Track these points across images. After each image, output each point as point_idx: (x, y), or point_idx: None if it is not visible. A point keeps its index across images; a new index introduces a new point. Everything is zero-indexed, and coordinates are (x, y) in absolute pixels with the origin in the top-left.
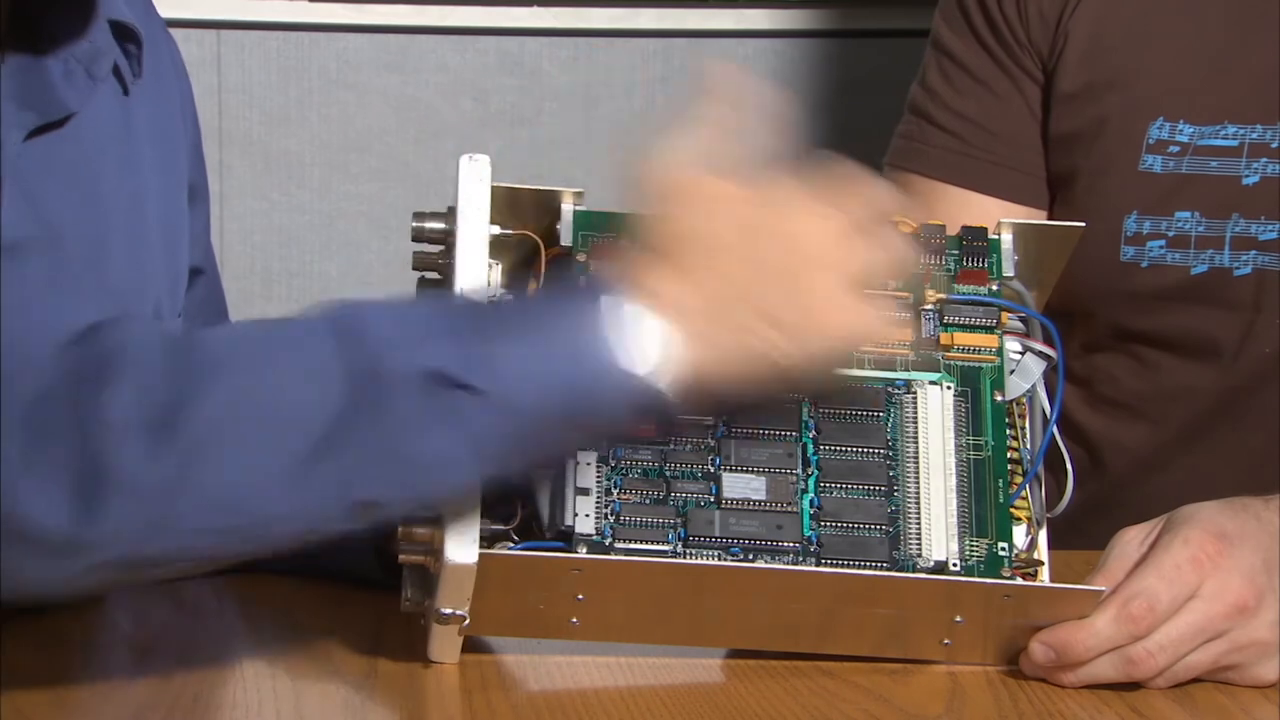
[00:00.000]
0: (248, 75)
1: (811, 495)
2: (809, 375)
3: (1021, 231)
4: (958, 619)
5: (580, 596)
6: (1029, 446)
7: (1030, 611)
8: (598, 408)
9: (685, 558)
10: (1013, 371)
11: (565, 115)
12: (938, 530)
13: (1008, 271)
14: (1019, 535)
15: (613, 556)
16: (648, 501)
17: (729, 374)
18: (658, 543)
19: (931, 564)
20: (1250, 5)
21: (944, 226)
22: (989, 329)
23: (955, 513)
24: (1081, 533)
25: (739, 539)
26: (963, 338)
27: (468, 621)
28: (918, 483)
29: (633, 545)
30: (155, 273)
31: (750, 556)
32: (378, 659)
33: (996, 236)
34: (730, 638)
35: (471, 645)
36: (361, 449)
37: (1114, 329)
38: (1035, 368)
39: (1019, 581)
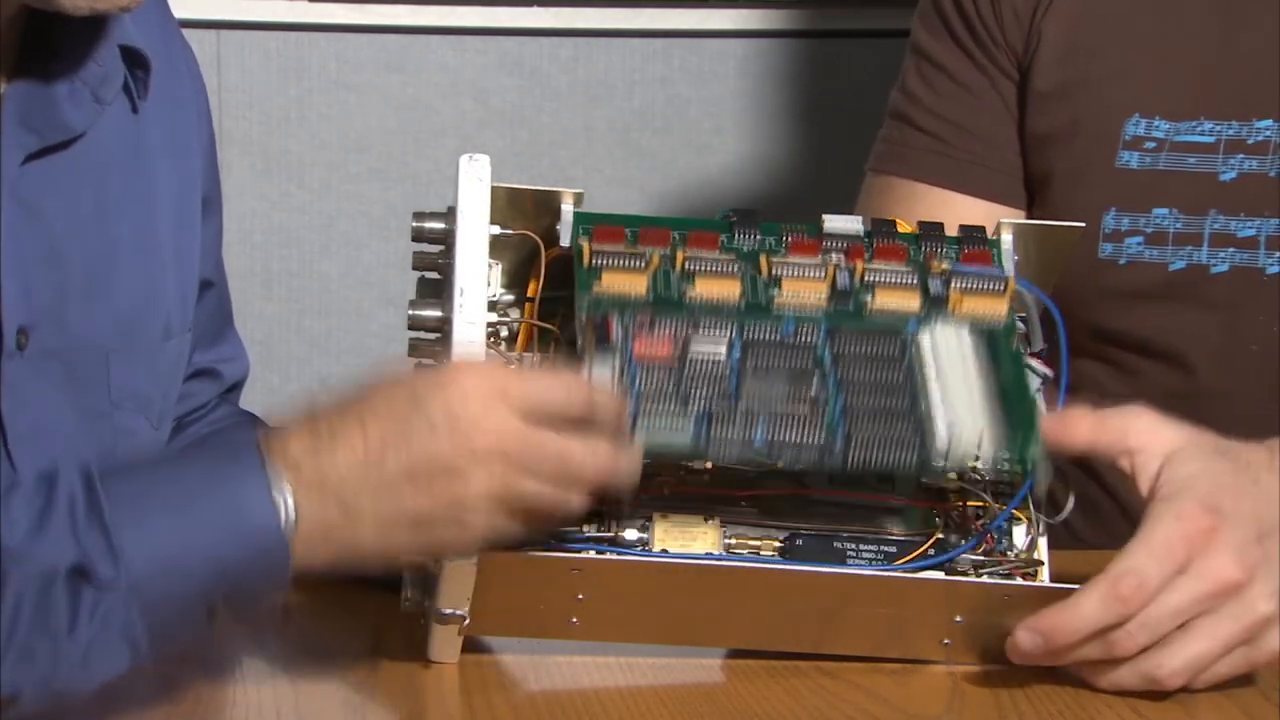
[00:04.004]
0: (248, 75)
1: (836, 401)
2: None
3: (1021, 232)
4: (958, 619)
5: (580, 596)
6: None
7: (1030, 611)
8: (239, 582)
9: (706, 454)
10: None
11: (565, 115)
12: (967, 426)
13: (1007, 271)
14: (1019, 535)
15: (612, 556)
16: (668, 403)
17: (362, 558)
18: (679, 430)
19: (961, 454)
20: (1224, 1)
21: (943, 225)
22: (997, 294)
23: (982, 412)
24: (1075, 536)
25: (764, 438)
26: (971, 302)
27: (468, 621)
28: (942, 391)
29: (654, 434)
30: (165, 289)
31: (774, 455)
32: (378, 659)
33: (996, 237)
34: (730, 638)
35: (471, 645)
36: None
37: (1092, 331)
38: (1031, 382)
39: (1019, 581)
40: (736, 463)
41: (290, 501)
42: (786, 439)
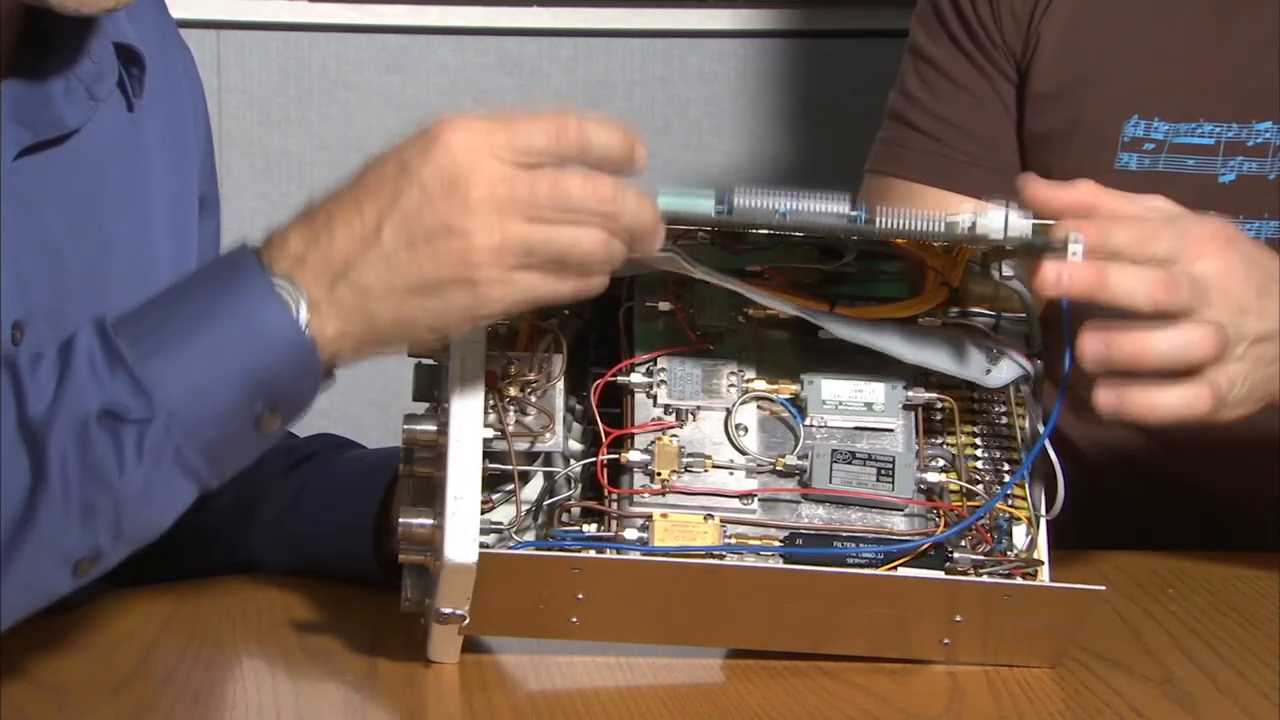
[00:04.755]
0: (248, 75)
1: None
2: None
3: None
4: (958, 619)
5: (580, 596)
6: (1027, 443)
7: (1030, 611)
8: (274, 385)
9: (730, 217)
10: (989, 371)
11: None
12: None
13: (1007, 272)
14: (1019, 535)
15: (613, 556)
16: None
17: (387, 337)
18: (702, 196)
19: (987, 223)
20: (1223, 3)
21: None
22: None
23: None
24: (1076, 536)
25: (789, 207)
26: None
27: (468, 621)
28: None
29: (675, 197)
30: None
31: (799, 222)
32: (378, 659)
33: None
34: (730, 638)
35: (471, 645)
36: (62, 515)
37: None
38: (1009, 373)
39: (1019, 581)
40: (761, 226)
41: (300, 294)
42: (811, 208)
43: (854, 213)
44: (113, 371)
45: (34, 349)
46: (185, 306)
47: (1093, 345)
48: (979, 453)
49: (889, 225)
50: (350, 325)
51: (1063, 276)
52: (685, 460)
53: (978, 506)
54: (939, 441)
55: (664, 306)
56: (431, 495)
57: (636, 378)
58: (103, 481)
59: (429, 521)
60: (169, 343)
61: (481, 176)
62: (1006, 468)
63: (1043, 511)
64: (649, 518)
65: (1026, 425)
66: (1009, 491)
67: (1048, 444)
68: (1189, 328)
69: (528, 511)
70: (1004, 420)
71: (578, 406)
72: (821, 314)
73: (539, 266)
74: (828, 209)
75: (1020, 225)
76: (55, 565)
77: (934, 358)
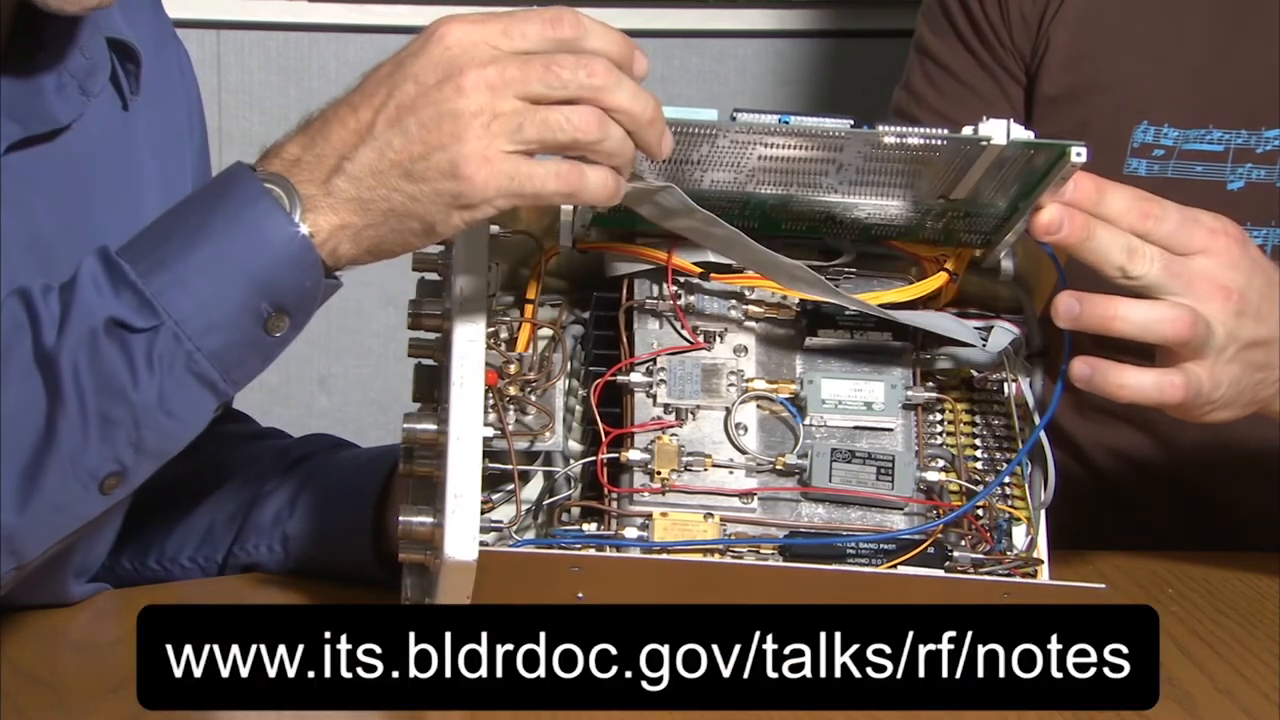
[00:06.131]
0: (248, 75)
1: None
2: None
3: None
4: None
5: (580, 595)
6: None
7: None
8: (277, 285)
9: (732, 128)
10: (984, 339)
11: None
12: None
13: (1006, 265)
14: (1019, 535)
15: (612, 554)
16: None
17: (380, 230)
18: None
19: (987, 131)
20: (1233, 10)
21: None
22: None
23: None
24: (1077, 536)
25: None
26: None
27: None
28: None
29: (679, 109)
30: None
31: (802, 129)
32: None
33: None
34: None
35: None
36: (80, 430)
37: (1097, 336)
38: (1003, 338)
39: (1019, 580)
40: (763, 133)
41: (293, 192)
42: (813, 121)
43: (855, 126)
44: (117, 289)
45: None
46: (184, 222)
47: (1067, 302)
48: (978, 453)
49: (891, 133)
50: (346, 217)
51: (1063, 223)
52: (685, 459)
53: (978, 506)
54: (938, 441)
55: (664, 306)
56: (431, 494)
57: (636, 377)
58: (117, 393)
59: (429, 520)
60: (171, 257)
61: (474, 62)
62: (1005, 467)
63: (1042, 499)
64: (649, 516)
65: (1030, 401)
66: (1007, 482)
67: (1043, 435)
68: (1163, 306)
69: (528, 511)
70: (1002, 421)
71: (578, 406)
72: (818, 284)
73: (531, 150)
74: (830, 122)
75: (1022, 133)
76: (81, 484)
77: (932, 320)
